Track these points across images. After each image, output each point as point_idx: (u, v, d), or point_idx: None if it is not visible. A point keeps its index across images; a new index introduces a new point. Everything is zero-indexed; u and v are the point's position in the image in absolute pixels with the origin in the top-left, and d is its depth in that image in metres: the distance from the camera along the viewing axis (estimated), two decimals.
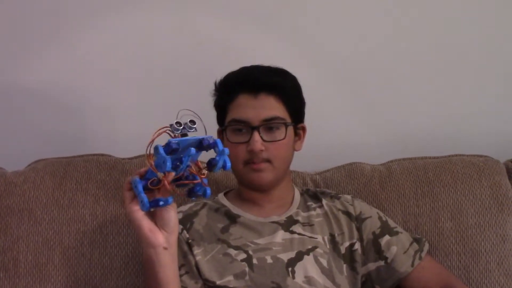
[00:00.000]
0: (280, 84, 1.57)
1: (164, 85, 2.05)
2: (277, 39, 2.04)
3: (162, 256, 1.33)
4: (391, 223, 1.64)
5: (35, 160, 1.88)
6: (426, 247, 1.62)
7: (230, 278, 1.49)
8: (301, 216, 1.61)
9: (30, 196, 1.76)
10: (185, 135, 1.22)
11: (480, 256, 1.71)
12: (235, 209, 1.61)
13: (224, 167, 1.23)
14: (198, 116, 1.23)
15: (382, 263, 1.58)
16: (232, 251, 1.52)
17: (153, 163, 1.21)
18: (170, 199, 1.28)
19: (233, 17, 2.04)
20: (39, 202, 1.75)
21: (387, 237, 1.59)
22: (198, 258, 1.52)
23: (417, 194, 1.77)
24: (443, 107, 2.07)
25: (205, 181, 1.27)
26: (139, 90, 2.06)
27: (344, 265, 1.56)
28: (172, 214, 1.31)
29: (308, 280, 1.49)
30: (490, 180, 1.79)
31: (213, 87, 1.63)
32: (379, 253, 1.58)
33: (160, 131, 1.21)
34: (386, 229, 1.61)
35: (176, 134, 1.21)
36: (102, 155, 1.87)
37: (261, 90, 1.55)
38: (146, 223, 1.29)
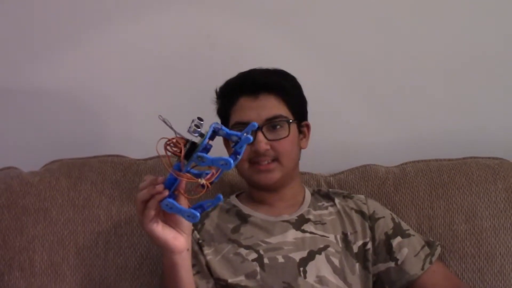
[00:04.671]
0: (278, 83, 1.58)
1: (178, 87, 2.05)
2: (291, 41, 2.04)
3: (186, 258, 1.34)
4: (404, 225, 1.64)
5: (51, 161, 1.90)
6: (438, 251, 1.61)
7: (242, 278, 1.49)
8: (313, 214, 1.61)
9: (45, 196, 1.77)
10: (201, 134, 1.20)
11: (495, 259, 1.69)
12: (246, 209, 1.61)
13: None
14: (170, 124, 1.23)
15: (392, 264, 1.58)
16: (243, 251, 1.53)
17: (186, 174, 1.19)
18: (220, 196, 1.21)
19: (248, 20, 2.04)
20: (55, 202, 1.76)
21: (399, 239, 1.59)
22: (208, 258, 1.53)
23: (431, 196, 1.76)
24: (458, 109, 2.05)
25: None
26: (153, 91, 2.07)
27: (357, 264, 1.56)
28: None
29: (320, 279, 1.49)
30: (505, 183, 1.77)
31: (214, 95, 1.65)
32: (390, 254, 1.58)
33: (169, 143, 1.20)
34: (398, 231, 1.61)
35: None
36: (117, 156, 1.88)
37: (260, 91, 1.56)
38: (169, 233, 1.29)
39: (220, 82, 1.64)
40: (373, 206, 1.65)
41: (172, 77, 2.06)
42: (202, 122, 1.18)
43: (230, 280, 1.50)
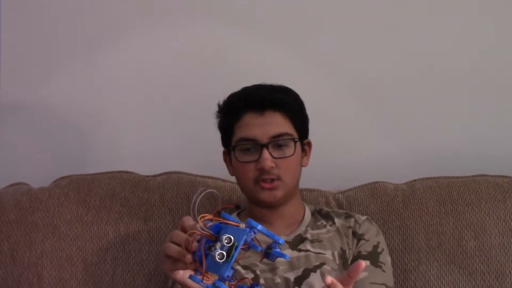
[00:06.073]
0: (285, 101, 1.58)
1: (188, 102, 2.06)
2: (301, 57, 2.05)
3: None
4: (382, 258, 1.57)
5: (60, 177, 1.90)
6: None
7: None
8: (310, 233, 1.59)
9: (54, 212, 1.78)
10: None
11: (505, 278, 1.69)
12: None
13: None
14: (218, 194, 1.16)
15: None
16: (241, 270, 1.51)
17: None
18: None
19: (257, 36, 2.05)
20: (64, 218, 1.77)
21: (367, 263, 1.52)
22: None
23: (440, 212, 1.75)
24: (467, 127, 2.05)
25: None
26: (163, 107, 2.08)
27: None
28: None
29: None
30: None
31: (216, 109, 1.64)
32: None
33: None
34: (372, 257, 1.56)
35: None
36: (126, 172, 1.88)
37: (267, 108, 1.55)
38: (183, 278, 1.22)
39: None
40: (366, 228, 1.61)
41: (182, 92, 2.07)
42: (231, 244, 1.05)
43: None
